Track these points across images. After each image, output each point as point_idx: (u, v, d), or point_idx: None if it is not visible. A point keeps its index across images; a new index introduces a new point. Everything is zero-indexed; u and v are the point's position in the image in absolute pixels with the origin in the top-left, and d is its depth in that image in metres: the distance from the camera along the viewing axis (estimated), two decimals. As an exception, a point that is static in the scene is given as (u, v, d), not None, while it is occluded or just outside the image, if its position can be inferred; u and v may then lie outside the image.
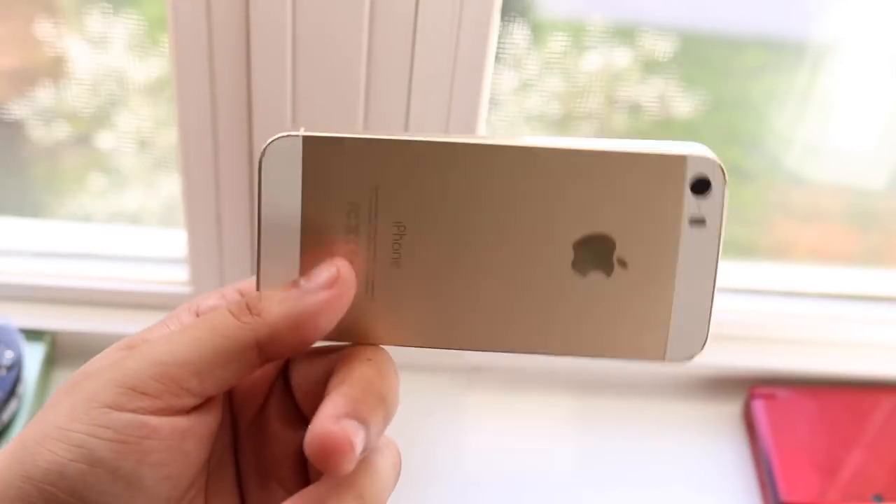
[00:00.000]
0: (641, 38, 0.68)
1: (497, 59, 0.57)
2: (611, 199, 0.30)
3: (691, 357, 0.32)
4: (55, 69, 0.68)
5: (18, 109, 0.70)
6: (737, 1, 0.70)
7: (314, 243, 0.30)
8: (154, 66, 0.68)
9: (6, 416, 0.62)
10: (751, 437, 0.70)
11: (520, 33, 0.67)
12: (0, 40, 0.68)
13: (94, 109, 0.70)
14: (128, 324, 0.68)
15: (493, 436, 0.69)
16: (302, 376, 0.32)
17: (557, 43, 0.68)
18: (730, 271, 0.77)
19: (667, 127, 0.73)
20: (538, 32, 0.68)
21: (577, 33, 0.68)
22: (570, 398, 0.73)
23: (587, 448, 0.70)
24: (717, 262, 0.30)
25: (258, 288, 0.31)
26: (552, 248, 0.30)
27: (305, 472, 0.33)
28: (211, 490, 0.32)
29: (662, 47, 0.68)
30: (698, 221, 0.30)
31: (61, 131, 0.72)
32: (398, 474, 0.32)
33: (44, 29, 0.66)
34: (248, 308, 0.29)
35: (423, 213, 0.30)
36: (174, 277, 0.70)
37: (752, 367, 0.72)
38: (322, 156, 0.30)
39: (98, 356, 0.31)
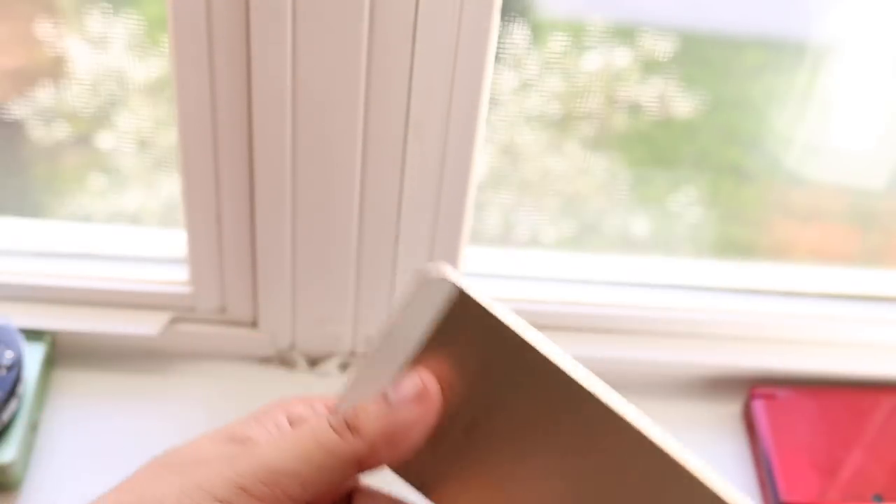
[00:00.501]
0: (641, 38, 0.68)
1: (497, 59, 0.57)
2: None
3: None
4: (55, 69, 0.68)
5: (18, 109, 0.70)
6: (737, 1, 0.70)
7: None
8: (154, 66, 0.68)
9: (6, 416, 0.62)
10: (751, 437, 0.70)
11: (520, 33, 0.67)
12: (0, 40, 0.68)
13: (94, 109, 0.70)
14: (128, 324, 0.68)
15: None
16: None
17: (557, 43, 0.68)
18: (730, 271, 0.77)
19: (667, 127, 0.73)
20: (538, 32, 0.68)
21: (577, 33, 0.68)
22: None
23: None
24: None
25: (346, 398, 0.33)
26: None
27: None
28: None
29: (662, 47, 0.68)
30: None
31: (61, 131, 0.72)
32: None
33: (44, 29, 0.66)
34: (348, 425, 0.31)
35: (514, 417, 0.32)
36: (174, 277, 0.70)
37: (752, 367, 0.72)
38: (463, 314, 0.32)
39: (201, 442, 0.33)
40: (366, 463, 0.32)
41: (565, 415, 0.31)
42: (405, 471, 0.34)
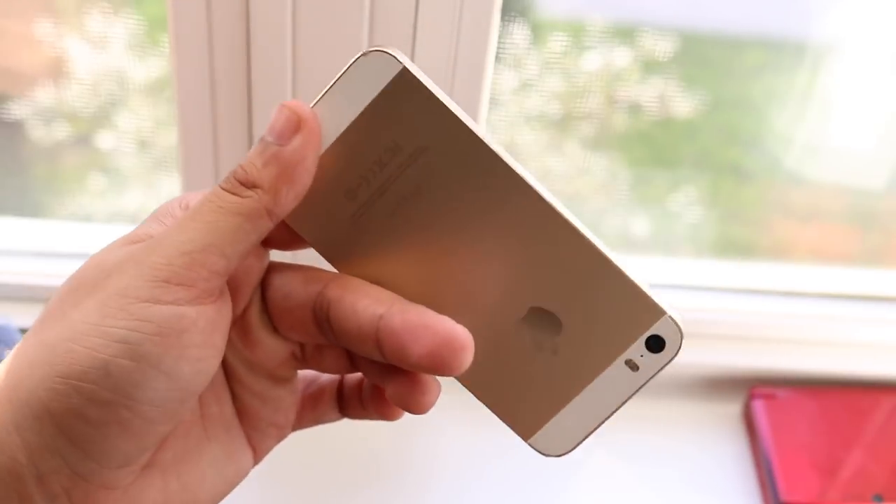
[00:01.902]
0: (641, 38, 0.68)
1: (497, 59, 0.57)
2: (585, 297, 0.31)
3: (548, 454, 0.34)
4: (55, 69, 0.68)
5: (18, 109, 0.70)
6: (737, 1, 0.70)
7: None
8: (154, 66, 0.68)
9: (6, 416, 0.62)
10: (751, 437, 0.70)
11: (520, 33, 0.67)
12: (1, 39, 0.68)
13: (94, 109, 0.70)
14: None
15: (491, 436, 0.69)
16: (272, 289, 0.33)
17: (557, 43, 0.68)
18: (730, 271, 0.77)
19: (667, 127, 0.73)
20: (538, 32, 0.68)
21: (577, 33, 0.68)
22: (570, 398, 0.72)
23: (587, 448, 0.70)
24: (624, 402, 0.32)
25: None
26: (515, 295, 0.32)
27: (287, 367, 0.34)
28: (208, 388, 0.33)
29: (662, 47, 0.68)
30: (633, 366, 0.32)
31: (61, 131, 0.72)
32: None
33: (44, 29, 0.66)
34: (241, 182, 0.30)
35: (440, 195, 0.31)
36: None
37: (752, 367, 0.72)
38: (402, 92, 0.31)
39: (100, 255, 0.31)
40: (275, 210, 0.30)
41: (493, 196, 0.31)
42: (319, 238, 0.32)
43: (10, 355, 0.30)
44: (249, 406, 0.34)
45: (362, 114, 0.31)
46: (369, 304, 0.31)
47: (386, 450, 0.68)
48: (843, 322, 0.74)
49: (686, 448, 0.70)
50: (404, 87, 0.30)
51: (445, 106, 0.30)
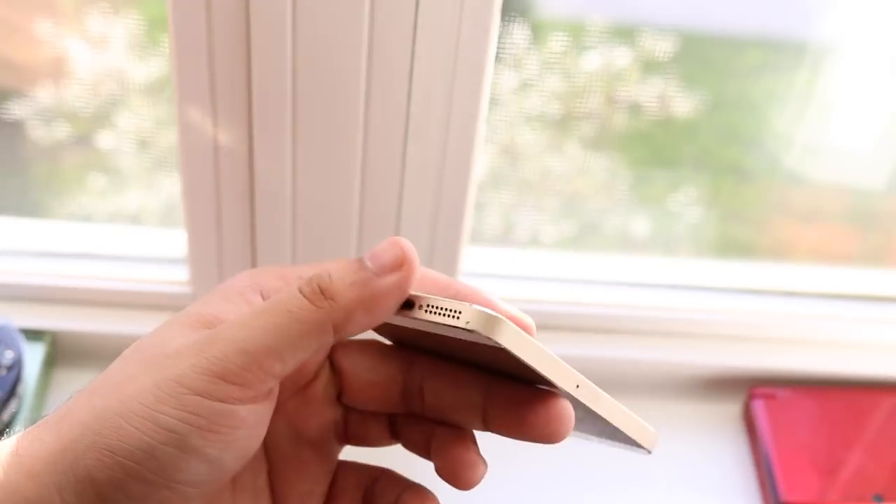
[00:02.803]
0: (641, 38, 0.68)
1: (497, 59, 0.57)
2: None
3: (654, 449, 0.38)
4: (55, 69, 0.68)
5: (19, 109, 0.70)
6: (737, 1, 0.70)
7: None
8: (154, 66, 0.68)
9: (6, 415, 0.62)
10: (751, 437, 0.70)
11: (520, 33, 0.67)
12: (3, 31, 0.68)
13: (94, 109, 0.70)
14: (128, 324, 0.68)
15: (492, 436, 0.69)
16: (351, 363, 0.34)
17: (557, 43, 0.68)
18: (730, 271, 0.77)
19: (667, 127, 0.73)
20: (538, 32, 0.68)
21: (577, 33, 0.68)
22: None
23: (587, 448, 0.70)
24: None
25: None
26: None
27: (337, 440, 0.36)
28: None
29: (662, 47, 0.68)
30: None
31: (61, 131, 0.72)
32: None
33: (44, 28, 0.66)
34: (322, 291, 0.29)
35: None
36: (174, 277, 0.70)
37: (752, 367, 0.72)
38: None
39: (166, 331, 0.31)
40: (342, 329, 0.30)
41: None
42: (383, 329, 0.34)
43: (59, 410, 0.30)
44: (284, 477, 0.34)
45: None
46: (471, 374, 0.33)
47: (388, 451, 0.68)
48: (843, 322, 0.74)
49: (686, 448, 0.70)
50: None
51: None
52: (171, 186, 0.74)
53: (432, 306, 0.30)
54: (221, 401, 0.29)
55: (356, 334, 0.31)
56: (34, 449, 0.29)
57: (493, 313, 0.29)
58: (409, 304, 0.31)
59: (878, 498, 0.65)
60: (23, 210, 0.74)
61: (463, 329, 0.29)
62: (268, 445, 0.34)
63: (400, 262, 0.30)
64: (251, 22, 0.53)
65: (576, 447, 0.70)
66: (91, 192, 0.76)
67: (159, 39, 0.66)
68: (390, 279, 0.30)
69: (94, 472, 0.28)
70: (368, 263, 0.30)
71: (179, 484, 0.29)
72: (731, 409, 0.73)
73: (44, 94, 0.69)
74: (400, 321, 0.32)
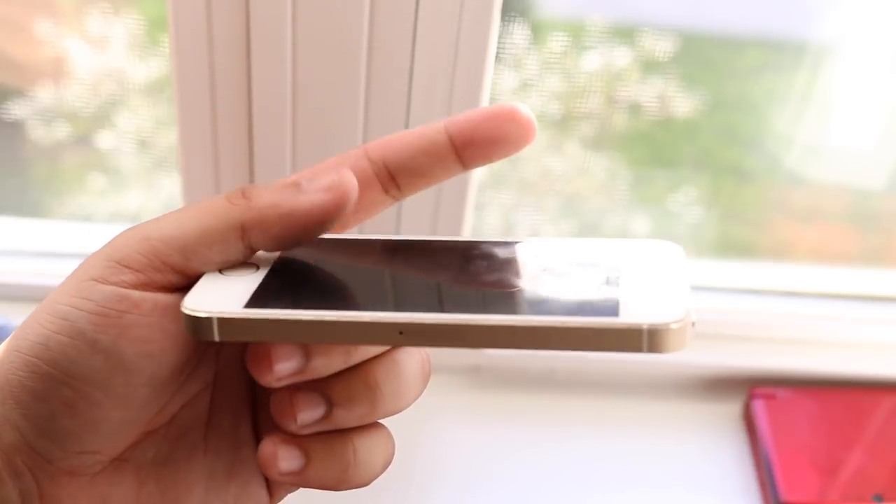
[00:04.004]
0: (641, 37, 0.67)
1: (497, 59, 0.57)
2: None
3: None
4: (56, 69, 0.68)
5: (19, 109, 0.70)
6: (737, 1, 0.70)
7: None
8: (154, 66, 0.68)
9: (6, 416, 0.62)
10: (751, 437, 0.70)
11: (520, 33, 0.67)
12: (4, 29, 0.68)
13: (94, 109, 0.70)
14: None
15: (492, 436, 0.69)
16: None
17: (557, 43, 0.68)
18: (730, 271, 0.77)
19: (667, 127, 0.73)
20: (538, 32, 0.68)
21: (577, 33, 0.68)
22: (569, 398, 0.73)
23: (587, 448, 0.70)
24: None
25: None
26: None
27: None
28: (218, 396, 0.32)
29: (662, 47, 0.68)
30: None
31: (61, 131, 0.72)
32: (425, 379, 0.32)
33: (44, 28, 0.66)
34: (242, 192, 0.29)
35: None
36: (174, 277, 0.69)
37: (752, 367, 0.72)
38: None
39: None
40: (252, 232, 0.29)
41: None
42: None
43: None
44: (271, 428, 0.31)
45: None
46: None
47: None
48: (843, 322, 0.74)
49: (686, 448, 0.70)
50: None
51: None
52: (171, 186, 0.74)
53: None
54: (114, 284, 0.28)
55: (273, 246, 0.30)
56: None
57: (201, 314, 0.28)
58: None
59: (878, 498, 0.65)
60: (23, 210, 0.74)
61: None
62: (254, 398, 0.32)
63: (332, 186, 0.29)
64: (251, 22, 0.53)
65: (576, 447, 0.70)
66: (91, 192, 0.76)
67: (159, 39, 0.66)
68: (317, 196, 0.29)
69: (7, 375, 0.28)
70: (303, 182, 0.29)
71: (77, 381, 0.28)
72: (731, 409, 0.73)
73: (44, 94, 0.69)
74: None
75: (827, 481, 0.66)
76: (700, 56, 0.71)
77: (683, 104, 0.71)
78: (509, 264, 0.30)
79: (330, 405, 0.29)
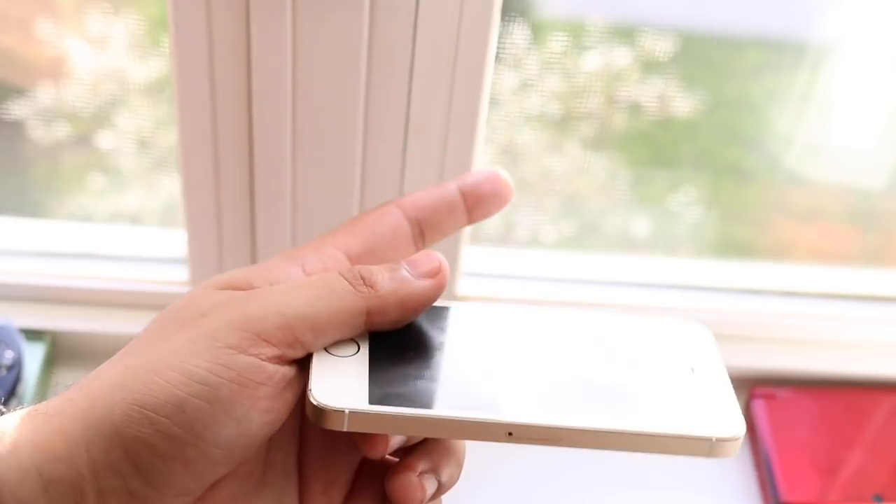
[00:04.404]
0: (641, 37, 0.68)
1: (497, 59, 0.57)
2: None
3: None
4: (55, 69, 0.68)
5: (19, 109, 0.70)
6: (737, 1, 0.70)
7: None
8: (154, 66, 0.68)
9: (6, 416, 0.62)
10: (751, 437, 0.70)
11: (520, 33, 0.67)
12: (4, 25, 0.68)
13: (94, 109, 0.70)
14: (128, 324, 0.68)
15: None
16: None
17: (557, 43, 0.68)
18: (730, 271, 0.77)
19: (667, 127, 0.73)
20: (538, 32, 0.68)
21: (577, 33, 0.68)
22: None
23: (587, 448, 0.70)
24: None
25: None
26: None
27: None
28: (276, 434, 0.33)
29: (662, 47, 0.68)
30: None
31: (61, 131, 0.72)
32: None
33: (44, 28, 0.66)
34: (363, 279, 0.32)
35: None
36: (174, 277, 0.70)
37: (752, 367, 0.72)
38: None
39: (196, 294, 0.32)
40: (375, 317, 0.32)
41: None
42: None
43: (91, 374, 0.31)
44: (312, 461, 0.35)
45: None
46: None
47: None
48: (843, 322, 0.74)
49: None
50: None
51: None
52: (171, 186, 0.74)
53: None
54: (253, 356, 0.29)
55: (386, 328, 0.33)
56: (64, 408, 0.29)
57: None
58: None
59: (878, 498, 0.66)
60: (23, 210, 0.74)
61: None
62: (301, 429, 0.35)
63: (436, 271, 0.33)
64: (251, 22, 0.53)
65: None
66: (91, 192, 0.76)
67: (159, 39, 0.66)
68: (426, 282, 0.33)
69: (121, 427, 0.28)
70: (406, 267, 0.33)
71: (206, 443, 0.29)
72: (731, 409, 0.73)
73: (44, 94, 0.69)
74: None
75: (827, 481, 0.66)
76: (700, 56, 0.71)
77: (683, 104, 0.71)
78: (592, 351, 0.34)
79: (440, 481, 0.34)
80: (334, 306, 0.31)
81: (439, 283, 0.33)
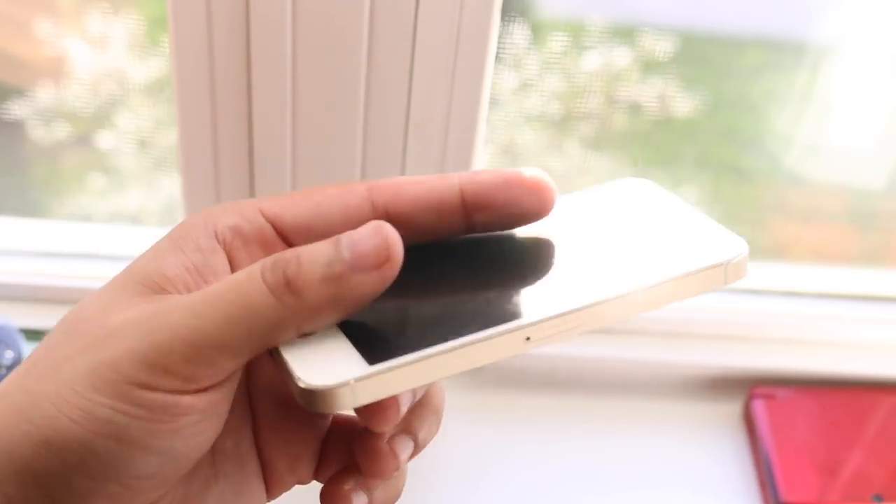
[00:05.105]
0: (641, 38, 0.68)
1: (497, 59, 0.57)
2: None
3: None
4: (55, 69, 0.68)
5: (18, 109, 0.70)
6: (737, 1, 0.70)
7: None
8: (154, 66, 0.68)
9: (6, 416, 0.62)
10: (751, 437, 0.70)
11: (520, 33, 0.67)
12: (4, 27, 0.68)
13: (94, 109, 0.70)
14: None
15: (492, 436, 0.69)
16: None
17: (557, 43, 0.68)
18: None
19: (667, 127, 0.73)
20: (538, 32, 0.68)
21: (577, 33, 0.68)
22: (570, 398, 0.73)
23: (587, 448, 0.70)
24: None
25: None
26: None
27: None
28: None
29: (662, 47, 0.68)
30: None
31: (61, 131, 0.72)
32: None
33: (44, 28, 0.66)
34: (287, 283, 0.26)
35: None
36: (174, 277, 0.69)
37: (752, 367, 0.72)
38: None
39: (105, 297, 0.28)
40: (306, 327, 0.26)
41: None
42: None
43: None
44: (271, 441, 0.31)
45: None
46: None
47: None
48: (843, 322, 0.74)
49: (686, 448, 0.70)
50: None
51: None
52: (171, 186, 0.74)
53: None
54: (164, 392, 0.25)
55: (320, 329, 0.27)
56: None
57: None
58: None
59: (878, 498, 0.65)
60: (23, 210, 0.74)
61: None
62: (252, 409, 0.31)
63: (383, 258, 0.26)
64: (251, 22, 0.53)
65: (576, 447, 0.70)
66: (91, 192, 0.76)
67: (159, 39, 0.66)
68: (369, 277, 0.26)
69: (32, 463, 0.26)
70: (345, 252, 0.26)
71: (128, 477, 0.26)
72: (731, 409, 0.73)
73: (44, 94, 0.69)
74: None
75: (827, 481, 0.66)
76: (700, 56, 0.71)
77: (683, 104, 0.71)
78: (565, 241, 0.30)
79: (415, 440, 0.30)
80: (254, 326, 0.26)
81: (386, 276, 0.26)
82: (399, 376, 0.26)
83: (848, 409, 0.71)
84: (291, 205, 0.30)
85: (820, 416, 0.70)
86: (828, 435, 0.69)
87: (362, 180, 0.30)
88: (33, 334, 0.68)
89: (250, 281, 0.26)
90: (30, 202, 0.76)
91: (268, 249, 0.30)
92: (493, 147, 0.73)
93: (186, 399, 0.26)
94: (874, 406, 0.71)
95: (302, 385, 0.26)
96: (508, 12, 0.64)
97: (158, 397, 0.26)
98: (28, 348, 0.66)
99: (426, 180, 0.30)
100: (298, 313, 0.26)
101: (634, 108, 0.71)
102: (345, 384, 0.25)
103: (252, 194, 0.61)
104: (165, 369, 0.25)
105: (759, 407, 0.70)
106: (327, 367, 0.26)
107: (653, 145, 0.76)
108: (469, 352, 0.26)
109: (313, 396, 0.26)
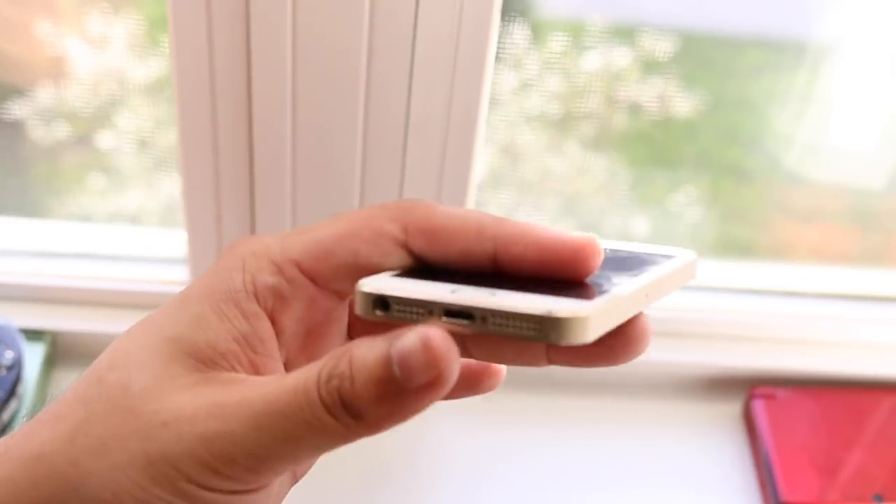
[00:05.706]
0: (641, 37, 0.67)
1: (497, 59, 0.57)
2: None
3: None
4: (55, 69, 0.68)
5: (18, 109, 0.70)
6: (737, 1, 0.70)
7: None
8: (154, 66, 0.68)
9: (6, 415, 0.62)
10: (751, 437, 0.70)
11: (520, 33, 0.67)
12: (4, 28, 0.68)
13: (94, 109, 0.70)
14: (127, 324, 0.68)
15: (492, 436, 0.69)
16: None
17: (557, 43, 0.68)
18: (730, 271, 0.77)
19: (667, 127, 0.73)
20: (538, 32, 0.68)
21: (577, 33, 0.68)
22: (570, 398, 0.73)
23: (587, 448, 0.70)
24: None
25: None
26: None
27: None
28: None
29: (662, 47, 0.68)
30: None
31: (61, 131, 0.72)
32: None
33: (44, 28, 0.66)
34: (344, 404, 0.25)
35: None
36: (174, 277, 0.70)
37: (752, 367, 0.72)
38: None
39: (155, 364, 0.28)
40: (367, 435, 0.27)
41: None
42: None
43: (32, 439, 0.27)
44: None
45: None
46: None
47: (392, 451, 0.68)
48: (843, 322, 0.74)
49: (686, 448, 0.70)
50: None
51: None
52: (171, 186, 0.74)
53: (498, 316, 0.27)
54: (223, 493, 0.26)
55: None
56: (6, 490, 0.26)
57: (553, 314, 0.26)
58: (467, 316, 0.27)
59: (878, 498, 0.65)
60: (23, 210, 0.74)
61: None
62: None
63: (435, 376, 0.25)
64: (251, 22, 0.53)
65: (576, 447, 0.70)
66: (91, 192, 0.76)
67: (159, 39, 0.66)
68: (424, 397, 0.25)
69: None
70: (397, 370, 0.25)
71: None
72: (731, 409, 0.73)
73: (44, 94, 0.69)
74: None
75: (827, 481, 0.66)
76: (700, 56, 0.71)
77: (683, 104, 0.71)
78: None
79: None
80: (314, 443, 0.26)
81: (441, 388, 0.25)
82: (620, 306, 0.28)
83: (848, 409, 0.71)
84: (326, 254, 0.30)
85: (820, 416, 0.70)
86: (828, 435, 0.69)
87: (395, 216, 0.30)
88: (33, 334, 0.68)
89: (309, 404, 0.26)
90: (30, 202, 0.76)
91: (309, 305, 0.30)
92: (493, 147, 0.73)
93: (246, 499, 0.27)
94: (874, 406, 0.72)
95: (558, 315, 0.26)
96: (508, 12, 0.64)
97: (218, 497, 0.26)
98: (28, 348, 0.66)
99: (465, 230, 0.30)
100: (359, 433, 0.26)
101: (634, 108, 0.71)
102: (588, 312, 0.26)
103: (252, 194, 0.61)
104: (227, 476, 0.26)
105: (758, 407, 0.70)
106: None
107: (653, 145, 0.76)
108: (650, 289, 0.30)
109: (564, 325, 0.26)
